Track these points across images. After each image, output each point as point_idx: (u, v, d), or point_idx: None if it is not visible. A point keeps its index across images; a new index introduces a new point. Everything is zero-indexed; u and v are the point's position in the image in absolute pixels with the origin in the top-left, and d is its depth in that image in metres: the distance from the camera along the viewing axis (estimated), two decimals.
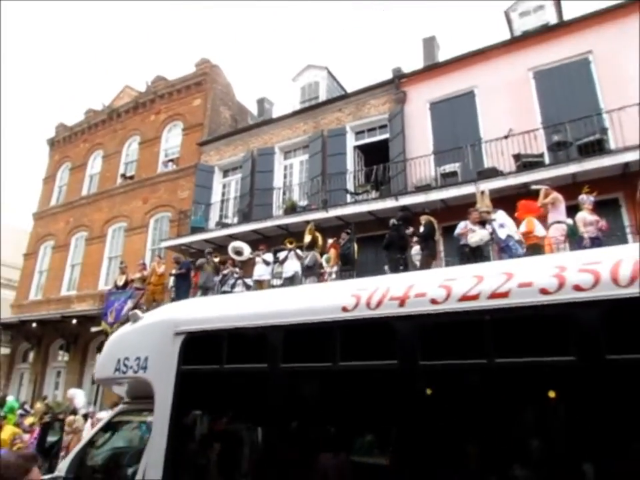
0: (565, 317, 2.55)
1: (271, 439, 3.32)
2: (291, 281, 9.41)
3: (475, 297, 2.75)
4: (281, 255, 9.81)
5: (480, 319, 2.73)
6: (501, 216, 7.56)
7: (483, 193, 8.26)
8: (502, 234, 7.25)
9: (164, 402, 3.66)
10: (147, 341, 4.01)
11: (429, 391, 2.87)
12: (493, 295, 2.70)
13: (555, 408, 2.58)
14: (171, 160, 16.31)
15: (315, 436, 3.27)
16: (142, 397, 3.90)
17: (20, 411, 8.02)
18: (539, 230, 7.64)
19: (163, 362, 3.78)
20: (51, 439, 4.58)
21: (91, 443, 4.35)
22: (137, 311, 4.54)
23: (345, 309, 3.15)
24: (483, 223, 7.85)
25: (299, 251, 9.46)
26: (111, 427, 4.46)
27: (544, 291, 2.58)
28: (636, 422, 2.31)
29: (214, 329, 3.71)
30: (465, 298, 2.78)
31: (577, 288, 2.50)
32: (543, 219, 7.76)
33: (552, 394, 2.57)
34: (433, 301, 2.87)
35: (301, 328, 3.31)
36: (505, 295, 2.67)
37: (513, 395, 2.73)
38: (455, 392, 2.87)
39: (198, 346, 3.74)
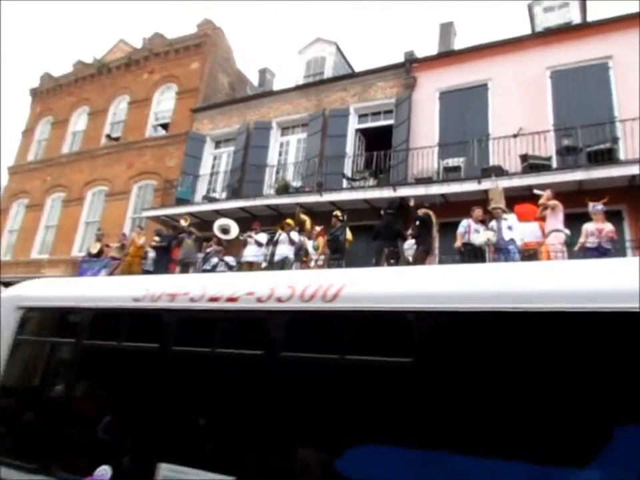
0: (265, 320, 3.37)
1: (77, 404, 4.08)
2: (280, 265, 8.89)
3: (217, 299, 3.57)
4: (275, 237, 9.38)
5: (217, 316, 3.62)
6: (512, 219, 7.45)
7: (500, 190, 8.05)
8: (507, 236, 7.14)
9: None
10: None
11: (177, 371, 3.69)
12: (229, 299, 3.53)
13: (248, 389, 3.36)
14: (162, 125, 15.54)
15: (107, 399, 4.11)
16: None
17: None
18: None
19: (5, 331, 4.52)
20: None
21: None
22: None
23: (136, 300, 3.96)
24: (483, 222, 7.66)
25: (292, 235, 8.95)
26: None
27: (259, 299, 3.40)
28: (293, 399, 3.17)
29: (44, 306, 4.59)
30: (212, 299, 3.61)
31: (279, 299, 3.31)
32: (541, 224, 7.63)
33: (251, 378, 3.37)
34: (192, 299, 3.70)
35: (103, 312, 4.18)
36: (236, 299, 3.50)
37: (227, 377, 3.55)
38: (193, 372, 3.71)
39: (32, 320, 4.61)
